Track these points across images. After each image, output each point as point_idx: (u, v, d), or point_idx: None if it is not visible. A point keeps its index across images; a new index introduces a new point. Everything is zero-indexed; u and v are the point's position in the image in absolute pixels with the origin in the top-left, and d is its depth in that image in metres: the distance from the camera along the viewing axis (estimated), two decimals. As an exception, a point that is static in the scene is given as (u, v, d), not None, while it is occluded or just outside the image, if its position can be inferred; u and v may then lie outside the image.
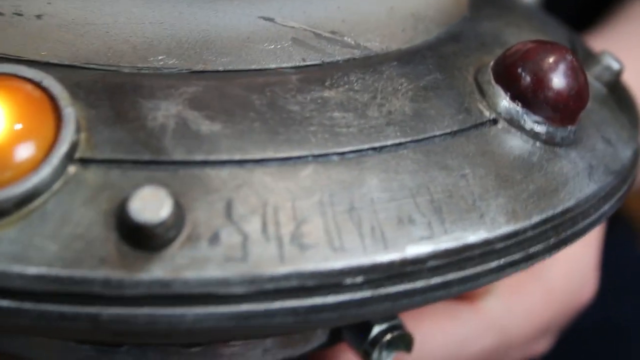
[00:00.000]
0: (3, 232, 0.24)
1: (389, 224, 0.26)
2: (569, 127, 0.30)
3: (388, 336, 0.34)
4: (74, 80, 0.28)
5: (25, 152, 0.25)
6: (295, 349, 0.34)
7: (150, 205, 0.24)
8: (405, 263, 0.26)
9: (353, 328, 0.34)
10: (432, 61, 0.31)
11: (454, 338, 0.40)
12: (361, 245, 0.26)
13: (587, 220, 0.30)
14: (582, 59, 0.35)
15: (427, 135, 0.28)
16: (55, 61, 0.29)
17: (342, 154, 0.27)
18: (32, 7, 0.29)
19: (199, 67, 0.29)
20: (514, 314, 0.41)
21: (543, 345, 0.45)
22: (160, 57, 0.29)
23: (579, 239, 0.30)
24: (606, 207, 0.31)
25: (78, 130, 0.26)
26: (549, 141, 0.30)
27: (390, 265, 0.26)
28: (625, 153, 0.33)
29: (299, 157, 0.27)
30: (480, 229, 0.27)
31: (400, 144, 0.28)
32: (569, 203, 0.29)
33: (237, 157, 0.26)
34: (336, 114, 0.28)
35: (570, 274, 0.44)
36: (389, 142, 0.28)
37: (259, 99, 0.28)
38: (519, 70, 0.30)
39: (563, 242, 0.29)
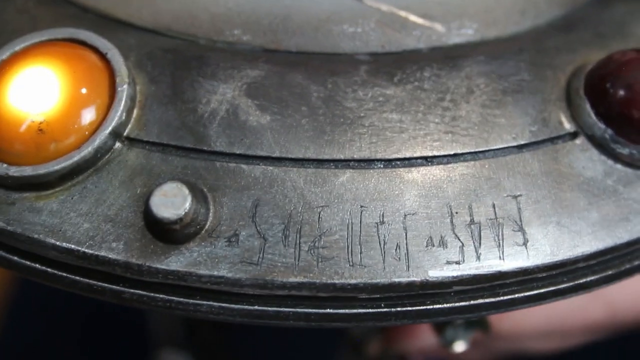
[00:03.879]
0: (46, 202, 0.26)
1: (417, 243, 0.26)
2: (660, 149, 0.28)
3: (462, 320, 0.33)
4: (147, 49, 0.28)
5: (87, 118, 0.26)
6: None
7: (170, 202, 0.24)
8: (426, 286, 0.25)
9: None
10: (526, 56, 0.29)
11: (557, 309, 0.39)
12: (382, 263, 0.25)
13: None
14: None
15: (487, 148, 0.27)
16: (139, 23, 0.29)
17: (388, 161, 0.26)
18: None
19: (272, 46, 0.29)
20: (625, 290, 0.40)
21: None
22: (235, 32, 0.29)
23: None
24: None
25: (131, 108, 0.27)
26: (632, 164, 0.28)
27: (410, 286, 0.25)
28: None
29: (339, 161, 0.26)
30: (519, 257, 0.26)
31: (454, 155, 0.27)
32: (638, 234, 0.27)
33: (276, 154, 0.26)
34: (393, 116, 0.27)
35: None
36: (442, 153, 0.27)
37: (317, 91, 0.27)
38: (609, 84, 0.27)
39: (624, 274, 0.28)
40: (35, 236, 0.26)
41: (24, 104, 0.26)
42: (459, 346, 0.34)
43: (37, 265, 0.26)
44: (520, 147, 0.27)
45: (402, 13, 0.29)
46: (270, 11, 0.29)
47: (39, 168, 0.26)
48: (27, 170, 0.26)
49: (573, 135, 0.28)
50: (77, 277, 0.26)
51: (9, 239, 0.26)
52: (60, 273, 0.26)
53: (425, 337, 0.38)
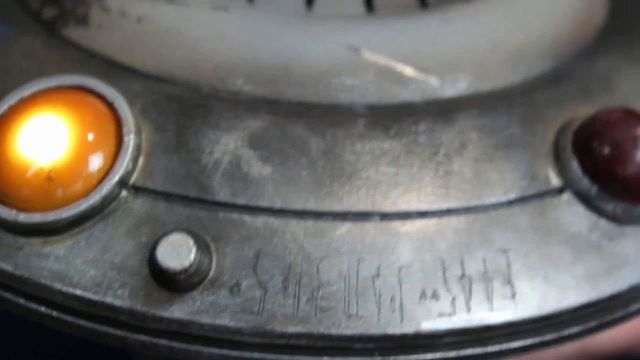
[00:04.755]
0: (53, 248, 0.27)
1: (411, 296, 0.27)
2: (642, 206, 0.29)
3: None
4: (152, 97, 0.29)
5: (94, 165, 0.27)
6: None
7: (176, 252, 0.25)
8: (419, 337, 0.26)
9: None
10: (517, 110, 0.30)
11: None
12: (377, 315, 0.26)
13: (638, 304, 0.29)
14: None
15: (479, 203, 0.28)
16: (143, 70, 0.30)
17: (385, 214, 0.27)
18: (136, 9, 0.31)
19: (273, 96, 0.30)
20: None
21: None
22: (238, 81, 0.30)
23: (629, 321, 0.30)
24: None
25: (137, 156, 0.28)
26: (615, 219, 0.29)
27: (403, 337, 0.26)
28: None
29: (337, 214, 0.27)
30: (507, 310, 0.27)
31: (447, 210, 0.28)
32: (620, 287, 0.28)
33: (278, 205, 0.27)
34: (389, 169, 0.28)
35: None
36: (436, 208, 0.28)
37: (317, 143, 0.28)
38: (595, 143, 0.29)
39: (606, 325, 0.29)
40: (42, 281, 0.27)
41: (32, 151, 0.27)
42: None
43: (42, 308, 0.27)
44: (510, 203, 0.28)
45: (398, 67, 0.30)
46: (272, 62, 0.30)
47: (48, 215, 0.27)
48: (36, 217, 0.27)
49: (560, 191, 0.29)
50: (82, 322, 0.27)
51: (16, 283, 0.27)
52: (65, 317, 0.27)
53: None
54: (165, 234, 0.26)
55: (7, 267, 0.27)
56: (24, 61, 0.31)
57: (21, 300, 0.27)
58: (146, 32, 0.31)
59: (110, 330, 0.27)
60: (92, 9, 0.31)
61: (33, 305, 0.27)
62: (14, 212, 0.27)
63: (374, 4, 0.32)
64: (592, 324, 0.29)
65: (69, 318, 0.27)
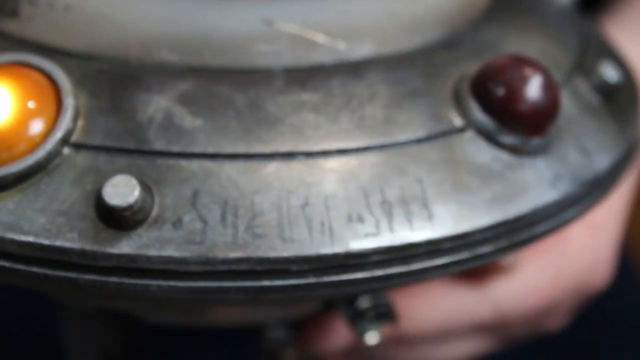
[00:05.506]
0: (2, 203, 0.29)
1: (338, 220, 0.29)
2: (537, 139, 0.33)
3: (373, 311, 0.37)
4: (84, 71, 0.31)
5: (30, 132, 0.29)
6: (288, 313, 0.38)
7: (121, 192, 0.28)
8: (349, 256, 0.29)
9: (344, 300, 0.37)
10: (418, 68, 0.34)
11: (447, 310, 0.43)
12: (309, 238, 0.29)
13: (544, 226, 0.32)
14: (590, 62, 0.37)
15: (392, 141, 0.31)
16: (73, 50, 0.33)
17: (308, 154, 0.30)
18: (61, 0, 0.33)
19: (196, 64, 0.32)
20: (513, 293, 0.44)
21: (553, 324, 0.47)
22: (162, 53, 0.32)
23: (535, 243, 0.33)
24: (571, 214, 0.33)
25: (76, 117, 0.30)
26: (514, 151, 0.32)
27: (335, 257, 0.29)
28: (602, 163, 0.35)
29: (266, 155, 0.30)
30: (426, 230, 0.30)
31: (365, 148, 0.31)
32: (524, 210, 0.32)
33: (210, 150, 0.30)
34: (309, 117, 0.31)
35: (583, 260, 0.46)
36: (354, 146, 0.31)
37: (242, 99, 0.31)
38: (491, 84, 0.32)
39: (516, 245, 0.32)
40: None
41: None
42: (371, 338, 0.37)
43: None
44: (419, 140, 0.32)
45: (309, 34, 0.33)
46: (193, 34, 0.32)
47: None
48: None
49: (463, 130, 0.32)
50: (35, 269, 0.29)
51: None
52: (18, 267, 0.29)
53: (338, 337, 0.41)
54: (109, 177, 0.28)
55: None
56: None
57: None
58: (74, 18, 0.33)
59: (62, 273, 0.29)
60: (20, 3, 0.34)
61: None
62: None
63: None
64: (503, 243, 0.32)
65: (21, 267, 0.29)
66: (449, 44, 0.36)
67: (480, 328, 0.44)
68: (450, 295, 0.43)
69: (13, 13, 0.34)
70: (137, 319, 0.39)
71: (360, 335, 0.37)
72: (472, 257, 0.31)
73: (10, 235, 0.28)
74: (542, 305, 0.45)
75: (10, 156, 0.29)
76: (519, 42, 0.37)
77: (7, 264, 0.29)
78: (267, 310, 0.38)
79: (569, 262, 0.46)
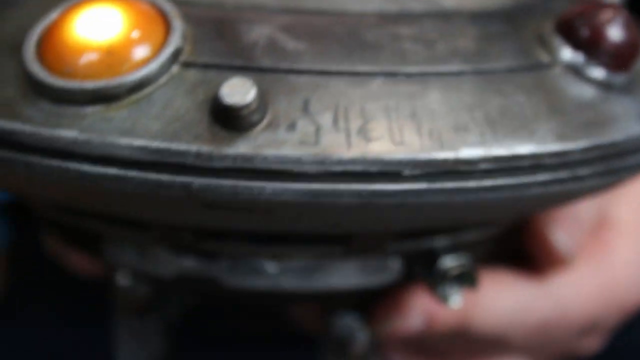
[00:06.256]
0: (116, 113, 0.29)
1: (446, 129, 0.30)
2: (623, 74, 0.34)
3: (455, 271, 0.37)
4: (183, 11, 0.32)
5: (141, 52, 0.30)
6: (370, 278, 0.37)
7: (238, 91, 0.28)
8: (458, 162, 0.29)
9: (423, 263, 0.37)
10: (500, 18, 0.35)
11: (512, 304, 0.43)
12: (420, 142, 0.29)
13: (636, 158, 0.33)
14: None
15: (488, 67, 0.32)
16: None
17: (409, 74, 0.31)
18: None
19: (292, 5, 0.33)
20: (571, 288, 0.44)
21: (591, 344, 0.47)
22: None
23: (628, 175, 0.33)
24: None
25: (184, 39, 0.31)
26: (602, 85, 0.33)
27: (445, 162, 0.29)
28: None
29: (370, 73, 0.31)
30: (530, 143, 0.30)
31: (462, 72, 0.32)
32: (618, 137, 0.32)
33: (317, 67, 0.30)
34: (407, 45, 0.32)
35: (629, 277, 0.46)
36: (453, 69, 0.31)
37: (340, 29, 0.32)
38: (578, 23, 0.33)
39: (611, 173, 0.32)
40: (108, 139, 0.29)
41: (94, 31, 0.30)
42: (455, 301, 0.37)
43: (107, 169, 0.29)
44: (512, 70, 0.32)
45: None
46: None
47: (112, 80, 0.29)
48: (101, 82, 0.29)
49: (551, 66, 0.33)
50: (148, 174, 0.29)
51: (82, 147, 0.29)
52: (130, 173, 0.29)
53: (410, 316, 0.41)
54: (225, 80, 0.28)
55: (72, 133, 0.29)
56: None
57: (86, 167, 0.29)
58: None
59: (176, 178, 0.29)
60: None
61: (98, 169, 0.29)
62: (77, 81, 0.29)
63: None
64: (599, 168, 0.32)
65: (134, 173, 0.29)
66: (524, 6, 0.37)
67: (544, 325, 0.44)
68: (514, 288, 0.43)
69: None
70: (213, 286, 0.38)
71: (443, 298, 0.37)
72: (571, 178, 0.31)
73: (124, 139, 0.29)
74: (596, 314, 0.45)
75: (122, 69, 0.30)
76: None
77: (120, 171, 0.29)
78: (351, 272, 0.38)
79: (616, 275, 0.46)
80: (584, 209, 0.43)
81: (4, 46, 0.32)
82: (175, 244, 0.36)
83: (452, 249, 0.37)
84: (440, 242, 0.37)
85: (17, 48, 0.31)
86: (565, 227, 0.42)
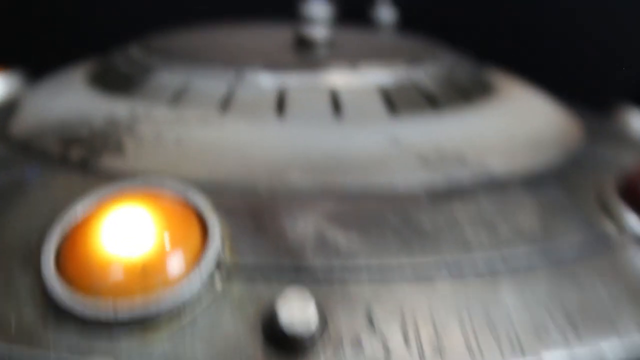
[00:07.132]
0: (155, 344, 0.25)
1: (525, 332, 0.27)
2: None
3: None
4: (212, 200, 0.29)
5: (177, 263, 0.26)
6: None
7: (296, 314, 0.25)
8: None
9: None
10: (554, 182, 0.32)
11: None
12: (499, 351, 0.26)
13: None
14: None
15: (556, 248, 0.29)
16: (194, 180, 0.30)
17: (476, 267, 0.28)
18: (170, 134, 0.31)
19: (331, 185, 0.30)
20: None
21: None
22: (294, 174, 0.30)
23: None
24: None
25: (223, 242, 0.27)
26: None
27: None
28: None
29: (433, 264, 0.27)
30: (613, 337, 0.27)
31: (531, 259, 0.29)
32: None
33: (373, 263, 0.27)
34: (467, 229, 0.29)
35: None
36: (520, 254, 0.28)
37: (392, 214, 0.29)
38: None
39: None
40: None
41: (123, 246, 0.26)
42: None
43: None
44: (582, 250, 0.30)
45: (438, 153, 0.32)
46: (321, 156, 0.31)
47: (148, 307, 0.25)
48: (137, 312, 0.25)
49: (621, 240, 0.30)
50: None
51: None
52: None
53: None
54: (281, 301, 0.25)
55: None
56: (65, 193, 0.30)
57: None
58: (189, 149, 0.31)
59: None
60: (124, 139, 0.32)
61: None
62: (109, 307, 0.25)
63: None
64: None
65: None
66: (573, 162, 0.35)
67: None
68: None
69: (118, 149, 0.32)
70: None
71: None
72: None
73: None
74: None
75: (158, 286, 0.26)
76: (628, 156, 0.36)
77: None
78: None
79: None
80: None
81: (15, 254, 0.28)
82: None
83: None
84: None
85: (30, 256, 0.28)
86: None
